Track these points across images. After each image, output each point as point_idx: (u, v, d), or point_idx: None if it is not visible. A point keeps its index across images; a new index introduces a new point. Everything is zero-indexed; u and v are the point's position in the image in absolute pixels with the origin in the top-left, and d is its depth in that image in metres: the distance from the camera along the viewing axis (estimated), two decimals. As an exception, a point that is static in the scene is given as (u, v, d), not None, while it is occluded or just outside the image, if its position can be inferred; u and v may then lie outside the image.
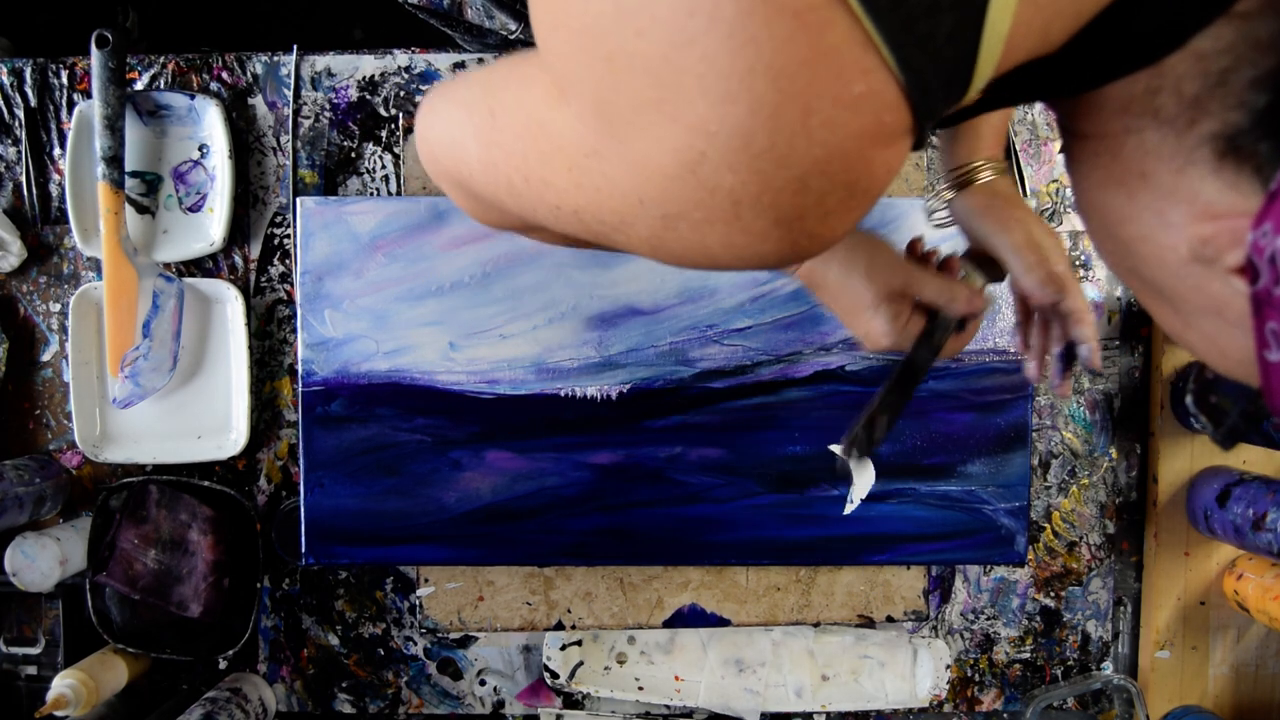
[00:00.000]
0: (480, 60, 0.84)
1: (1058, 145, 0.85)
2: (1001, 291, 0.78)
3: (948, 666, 0.85)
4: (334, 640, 0.87)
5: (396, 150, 0.85)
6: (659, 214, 0.30)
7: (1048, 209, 0.85)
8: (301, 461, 0.79)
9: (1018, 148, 0.85)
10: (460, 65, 0.84)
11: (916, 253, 0.57)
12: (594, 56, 0.29)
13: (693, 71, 0.27)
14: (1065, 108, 0.34)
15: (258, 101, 0.85)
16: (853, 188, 0.29)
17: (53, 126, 0.85)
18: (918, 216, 0.78)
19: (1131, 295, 0.85)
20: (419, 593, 0.85)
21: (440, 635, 0.87)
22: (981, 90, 0.30)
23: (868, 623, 0.86)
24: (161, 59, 0.84)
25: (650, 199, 0.30)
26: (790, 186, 0.28)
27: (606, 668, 0.86)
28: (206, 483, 0.84)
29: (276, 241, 0.85)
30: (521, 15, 0.75)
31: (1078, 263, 0.86)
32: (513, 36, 0.77)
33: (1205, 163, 0.28)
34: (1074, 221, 0.86)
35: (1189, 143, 0.29)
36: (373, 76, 0.84)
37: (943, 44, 0.27)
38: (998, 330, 0.79)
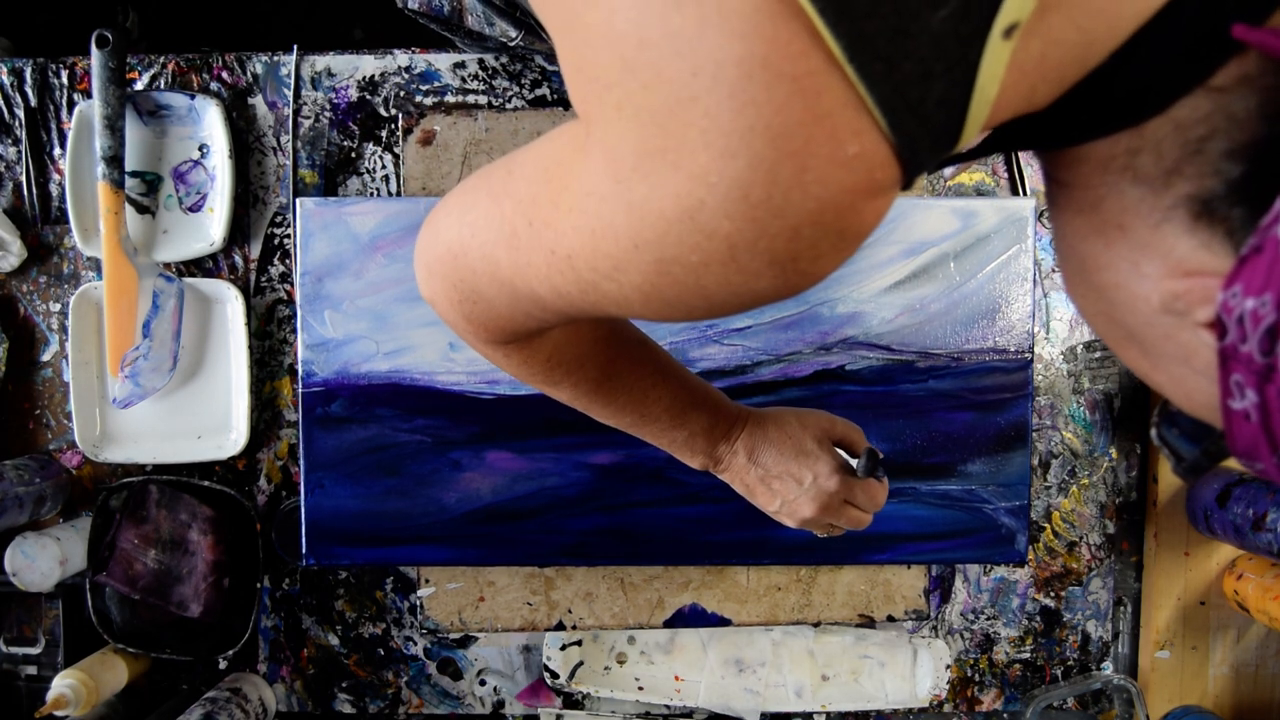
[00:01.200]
0: (480, 61, 0.84)
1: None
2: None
3: (948, 666, 0.85)
4: (334, 640, 0.87)
5: (396, 150, 0.85)
6: (654, 258, 0.31)
7: (1048, 208, 0.85)
8: (301, 462, 0.79)
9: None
10: (460, 65, 0.84)
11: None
12: (605, 104, 0.31)
13: (696, 126, 0.28)
14: (1050, 157, 0.36)
15: (258, 101, 0.85)
16: (844, 233, 0.31)
17: (53, 126, 0.85)
18: (917, 216, 0.78)
19: None
20: (419, 593, 0.85)
21: (440, 635, 0.87)
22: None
23: (868, 622, 0.86)
24: (161, 59, 0.84)
25: (647, 243, 0.31)
26: (785, 234, 0.30)
27: (606, 668, 0.86)
28: (206, 483, 0.84)
29: (276, 241, 0.86)
30: (522, 24, 0.75)
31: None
32: (512, 44, 0.77)
33: (1181, 222, 0.29)
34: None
35: (1166, 202, 0.30)
36: (373, 76, 0.84)
37: (933, 109, 0.28)
38: (998, 329, 0.79)
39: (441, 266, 0.43)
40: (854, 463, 0.58)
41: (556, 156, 0.35)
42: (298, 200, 0.79)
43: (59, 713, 0.76)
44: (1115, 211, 0.32)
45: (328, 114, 0.85)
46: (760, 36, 0.27)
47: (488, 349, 0.48)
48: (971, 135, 0.30)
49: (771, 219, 0.29)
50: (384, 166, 0.85)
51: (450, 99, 0.84)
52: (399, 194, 0.85)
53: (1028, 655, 0.88)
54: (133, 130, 0.82)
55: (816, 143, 0.28)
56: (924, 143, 0.29)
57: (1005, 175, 0.86)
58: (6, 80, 0.85)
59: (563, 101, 0.85)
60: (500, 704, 0.88)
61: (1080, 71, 0.30)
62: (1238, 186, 0.28)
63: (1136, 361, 0.35)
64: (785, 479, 0.58)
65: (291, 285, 0.85)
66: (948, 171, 0.85)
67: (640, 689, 0.85)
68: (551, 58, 0.83)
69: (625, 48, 0.29)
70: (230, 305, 0.83)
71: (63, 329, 0.85)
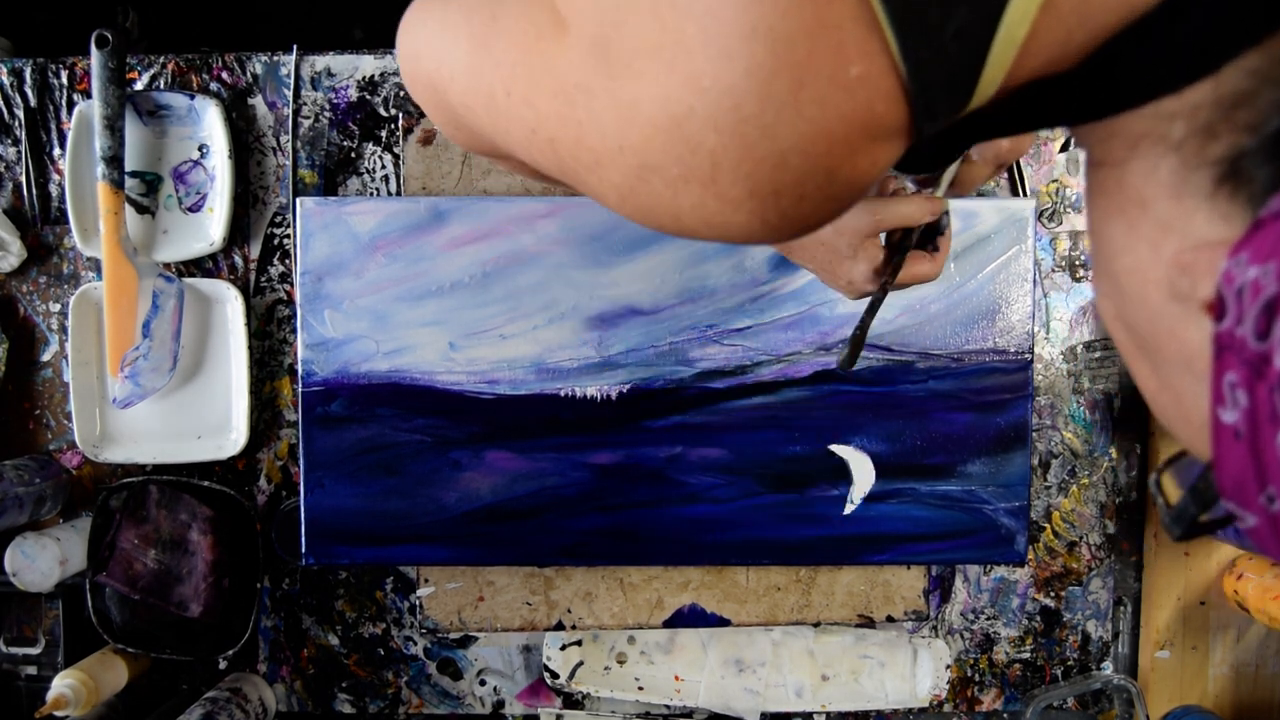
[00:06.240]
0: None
1: (1057, 145, 0.85)
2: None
3: (948, 666, 0.85)
4: (334, 640, 0.87)
5: (396, 150, 0.85)
6: (636, 163, 0.30)
7: (1048, 208, 0.85)
8: (301, 461, 0.79)
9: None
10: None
11: (885, 190, 0.56)
12: None
13: (697, 21, 0.26)
14: (1083, 134, 0.33)
15: (258, 101, 0.85)
16: (832, 174, 0.29)
17: (53, 126, 0.85)
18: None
19: None
20: (419, 593, 0.85)
21: (440, 635, 0.87)
22: (988, 100, 0.29)
23: (868, 623, 0.86)
24: (161, 59, 0.84)
25: (631, 146, 0.29)
26: (771, 159, 0.28)
27: (606, 668, 0.86)
28: (206, 483, 0.84)
29: (276, 241, 0.86)
30: None
31: (1077, 262, 0.86)
32: None
33: (1202, 190, 0.26)
34: (1074, 221, 0.86)
35: (1192, 165, 0.27)
36: (373, 76, 0.84)
37: (950, 39, 0.26)
38: (998, 330, 0.79)
39: (421, 90, 0.41)
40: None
41: (539, 26, 0.32)
42: (298, 200, 0.79)
43: (59, 713, 0.76)
44: (1138, 185, 0.28)
45: (327, 114, 0.85)
46: None
47: (475, 153, 0.46)
48: (992, 83, 0.28)
49: (760, 138, 0.27)
50: (384, 166, 0.85)
51: (450, 99, 0.84)
52: (399, 194, 0.85)
53: (1028, 655, 0.88)
54: (133, 130, 0.82)
55: (819, 55, 0.26)
56: (935, 78, 0.27)
57: (1005, 176, 0.86)
58: (6, 80, 0.85)
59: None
60: (500, 704, 0.88)
61: (1122, 18, 0.26)
62: (1272, 142, 0.24)
63: (1146, 380, 0.32)
64: (828, 256, 0.55)
65: (291, 285, 0.85)
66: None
67: (640, 689, 0.85)
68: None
69: None
70: (230, 305, 0.83)
71: (63, 329, 0.85)
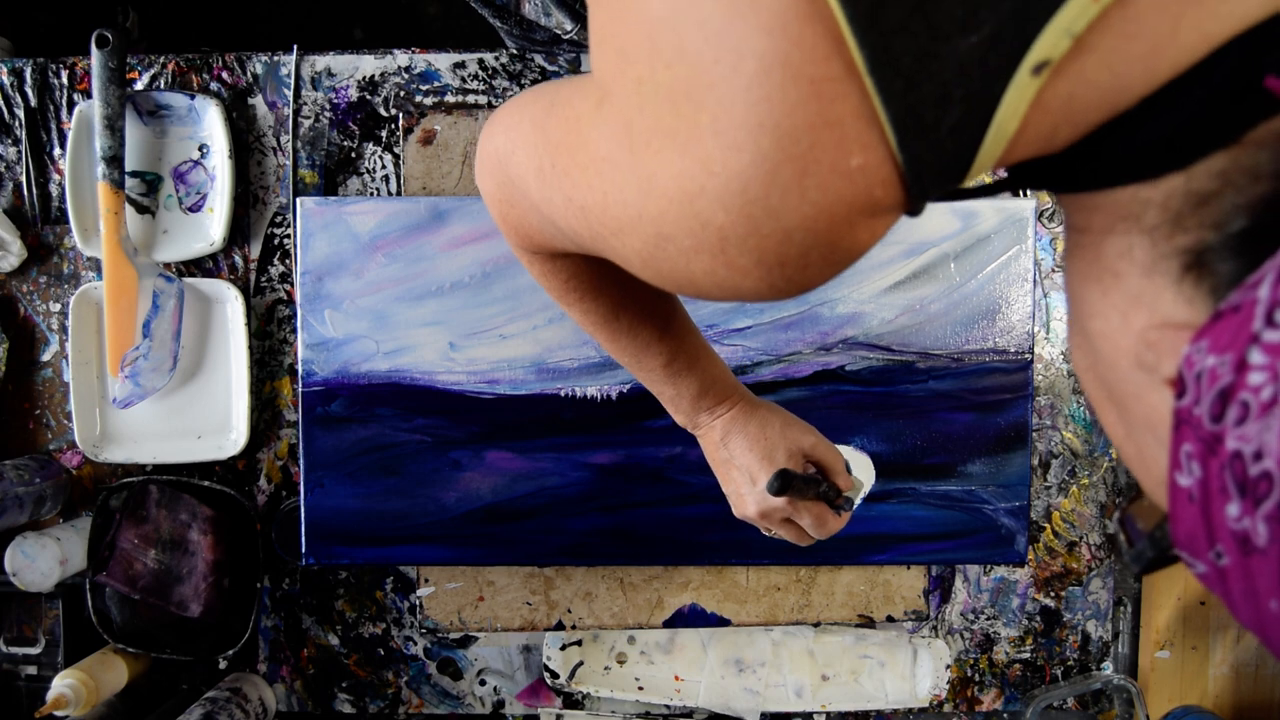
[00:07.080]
0: (480, 61, 0.84)
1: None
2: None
3: (948, 666, 0.85)
4: (334, 640, 0.87)
5: (396, 150, 0.85)
6: (653, 231, 0.32)
7: (1048, 208, 0.85)
8: (301, 461, 0.79)
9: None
10: (460, 65, 0.84)
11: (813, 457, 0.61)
12: (627, 77, 0.31)
13: (708, 113, 0.29)
14: (1066, 201, 0.35)
15: (258, 101, 0.85)
16: (834, 247, 0.31)
17: (53, 126, 0.85)
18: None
19: None
20: (419, 593, 0.85)
21: (440, 635, 0.87)
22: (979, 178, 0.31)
23: (868, 623, 0.86)
24: (161, 59, 0.84)
25: (648, 216, 0.32)
26: (776, 235, 0.30)
27: (606, 668, 0.86)
28: (206, 483, 0.84)
29: (276, 241, 0.86)
30: (580, 16, 0.75)
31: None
32: (566, 36, 0.76)
33: (1170, 274, 0.29)
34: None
35: (1162, 251, 0.29)
36: (373, 76, 0.84)
37: (945, 135, 0.28)
38: (998, 330, 0.79)
39: (490, 166, 0.46)
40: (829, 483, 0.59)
41: (579, 109, 0.36)
42: (298, 200, 0.79)
43: (59, 713, 0.76)
44: (1113, 257, 0.31)
45: (328, 114, 0.85)
46: (785, 35, 0.27)
47: (517, 251, 0.51)
48: (983, 169, 0.30)
49: (765, 218, 0.30)
50: (384, 166, 0.85)
51: (450, 99, 0.84)
52: (399, 194, 0.85)
53: (1028, 655, 0.88)
54: (133, 130, 0.82)
55: (822, 148, 0.28)
56: (930, 168, 0.29)
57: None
58: (6, 80, 0.85)
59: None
60: (500, 704, 0.88)
61: (1105, 115, 0.29)
62: (1233, 241, 0.27)
63: (1114, 429, 0.34)
64: (743, 473, 0.59)
65: (291, 285, 0.85)
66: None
67: (640, 689, 0.85)
68: (552, 58, 0.83)
69: (655, 26, 0.30)
70: (230, 305, 0.84)
71: (63, 329, 0.85)
